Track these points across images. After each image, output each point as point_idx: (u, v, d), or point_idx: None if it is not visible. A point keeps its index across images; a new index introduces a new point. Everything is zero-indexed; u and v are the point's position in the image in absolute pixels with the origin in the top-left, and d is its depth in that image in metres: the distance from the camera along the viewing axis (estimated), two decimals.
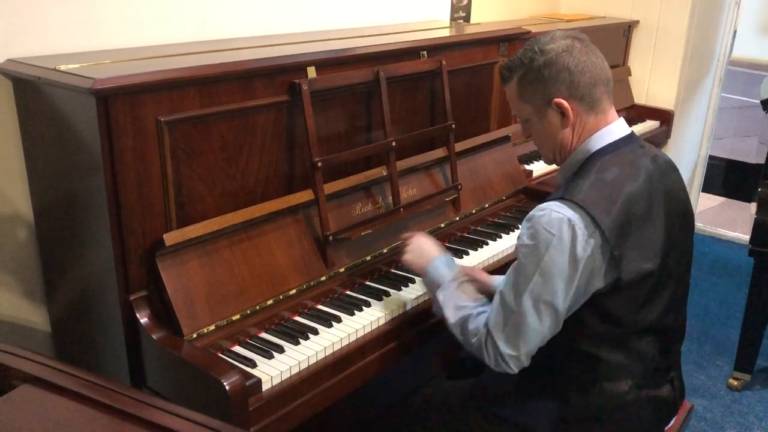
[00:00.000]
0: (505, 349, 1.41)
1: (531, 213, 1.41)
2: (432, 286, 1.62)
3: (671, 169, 1.53)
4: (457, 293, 1.56)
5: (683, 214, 1.52)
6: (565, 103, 1.45)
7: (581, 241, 1.34)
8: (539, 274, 1.36)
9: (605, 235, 1.34)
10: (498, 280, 1.79)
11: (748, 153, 5.48)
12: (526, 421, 1.54)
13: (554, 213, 1.36)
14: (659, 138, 3.72)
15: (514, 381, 1.58)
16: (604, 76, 1.46)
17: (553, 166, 2.27)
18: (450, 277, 1.60)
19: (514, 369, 1.43)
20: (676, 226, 1.47)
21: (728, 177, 5.16)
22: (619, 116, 1.51)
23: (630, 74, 3.80)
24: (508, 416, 1.57)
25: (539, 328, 1.39)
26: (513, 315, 1.40)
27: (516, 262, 1.43)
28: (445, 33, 2.47)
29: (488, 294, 1.72)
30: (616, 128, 1.48)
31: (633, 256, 1.38)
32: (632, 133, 1.52)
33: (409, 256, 1.70)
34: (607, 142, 1.47)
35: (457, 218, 2.18)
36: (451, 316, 1.53)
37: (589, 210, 1.35)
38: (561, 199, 1.38)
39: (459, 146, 2.18)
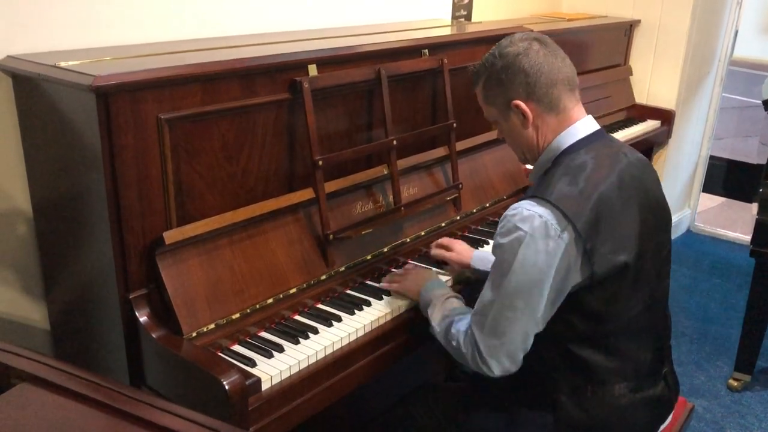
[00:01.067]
0: (484, 343, 1.43)
1: (504, 213, 1.44)
2: (425, 306, 1.66)
3: (644, 165, 1.54)
4: (443, 306, 1.61)
5: (658, 209, 1.53)
6: (522, 104, 1.48)
7: (554, 237, 1.36)
8: (514, 271, 1.39)
9: (577, 229, 1.36)
10: (477, 253, 1.87)
11: (749, 153, 5.47)
12: None
13: (525, 211, 1.39)
14: (660, 138, 3.72)
15: (506, 391, 1.58)
16: (563, 76, 1.48)
17: None
18: (439, 294, 1.65)
19: (494, 368, 1.44)
20: (650, 220, 1.48)
21: (729, 177, 5.15)
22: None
23: (631, 74, 3.80)
24: (501, 429, 1.57)
25: (518, 323, 1.41)
26: (492, 311, 1.43)
27: (494, 260, 1.45)
28: (447, 32, 2.46)
29: (463, 265, 1.84)
30: (583, 126, 1.50)
31: (606, 248, 1.39)
32: (601, 129, 1.54)
33: (403, 286, 1.75)
34: (575, 140, 1.48)
35: (458, 217, 2.18)
36: (437, 325, 1.58)
37: (559, 205, 1.37)
38: (532, 197, 1.42)
39: (460, 145, 2.17)
